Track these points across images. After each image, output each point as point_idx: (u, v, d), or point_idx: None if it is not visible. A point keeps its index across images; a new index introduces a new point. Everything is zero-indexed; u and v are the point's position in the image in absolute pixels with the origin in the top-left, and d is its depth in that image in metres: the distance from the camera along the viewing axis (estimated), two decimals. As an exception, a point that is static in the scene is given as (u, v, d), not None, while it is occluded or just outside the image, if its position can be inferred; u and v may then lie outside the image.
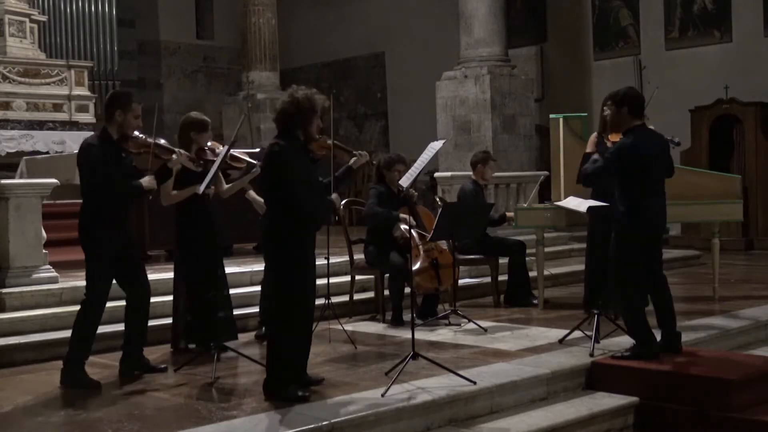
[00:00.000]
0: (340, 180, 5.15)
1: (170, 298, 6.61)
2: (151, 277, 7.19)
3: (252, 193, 6.51)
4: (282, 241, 4.71)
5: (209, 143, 5.94)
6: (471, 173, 8.20)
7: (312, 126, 4.82)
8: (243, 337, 6.41)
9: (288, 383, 4.64)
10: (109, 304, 5.47)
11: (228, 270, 7.46)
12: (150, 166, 5.32)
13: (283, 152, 4.69)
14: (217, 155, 5.74)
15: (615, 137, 6.67)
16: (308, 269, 4.79)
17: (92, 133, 5.42)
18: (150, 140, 5.34)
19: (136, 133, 5.30)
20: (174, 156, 5.45)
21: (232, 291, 6.94)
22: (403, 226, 6.67)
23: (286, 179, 4.66)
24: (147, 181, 5.22)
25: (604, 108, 6.48)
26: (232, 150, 5.80)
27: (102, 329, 5.69)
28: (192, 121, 5.93)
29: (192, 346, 5.93)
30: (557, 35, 15.00)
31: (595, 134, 7.01)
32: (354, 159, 5.24)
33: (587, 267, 7.14)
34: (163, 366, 5.47)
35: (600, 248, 6.52)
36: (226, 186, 6.06)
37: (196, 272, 5.84)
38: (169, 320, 6.22)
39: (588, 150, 6.84)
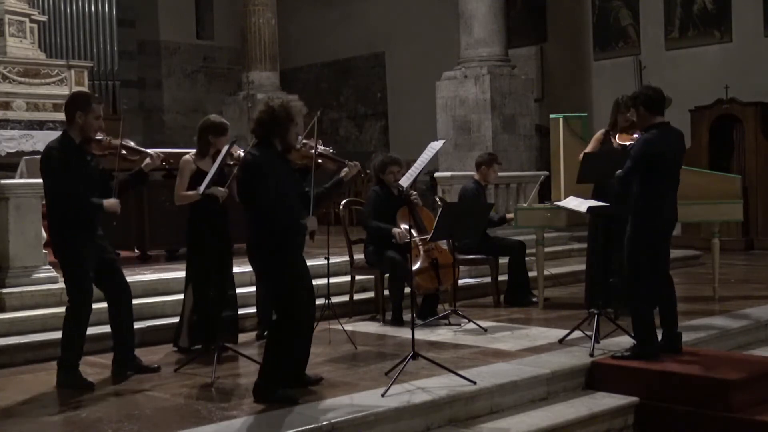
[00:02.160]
0: (330, 191, 5.04)
1: (171, 297, 6.63)
2: (151, 277, 7.25)
3: None
4: (267, 252, 4.67)
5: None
6: (472, 173, 8.20)
7: (289, 135, 4.77)
8: (243, 337, 6.40)
9: (276, 387, 4.63)
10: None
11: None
12: (116, 168, 5.23)
13: (257, 163, 4.64)
14: (235, 158, 5.71)
15: (622, 138, 6.68)
16: (301, 273, 4.75)
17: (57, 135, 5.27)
18: (115, 142, 5.26)
19: (100, 135, 5.21)
20: (148, 160, 5.39)
21: (232, 291, 6.94)
22: (404, 226, 6.67)
23: (259, 191, 4.59)
24: (110, 204, 5.08)
25: (628, 113, 6.45)
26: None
27: (101, 329, 5.68)
28: (211, 124, 5.93)
29: (197, 347, 5.89)
30: (557, 35, 14.99)
31: (601, 132, 7.01)
32: (345, 171, 5.17)
33: (589, 267, 7.13)
34: (155, 366, 5.45)
35: (601, 248, 6.53)
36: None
37: (202, 271, 5.82)
38: (170, 320, 6.21)
39: (589, 149, 6.85)
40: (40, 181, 6.70)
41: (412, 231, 6.54)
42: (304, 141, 5.54)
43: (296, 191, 4.80)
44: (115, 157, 5.25)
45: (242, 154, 5.70)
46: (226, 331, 5.79)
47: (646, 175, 5.38)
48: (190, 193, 5.73)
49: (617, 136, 6.82)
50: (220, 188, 5.64)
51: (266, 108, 4.76)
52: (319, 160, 5.32)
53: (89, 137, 5.14)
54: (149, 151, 5.50)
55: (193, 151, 6.00)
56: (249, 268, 7.52)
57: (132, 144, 5.48)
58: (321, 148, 5.45)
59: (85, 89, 12.93)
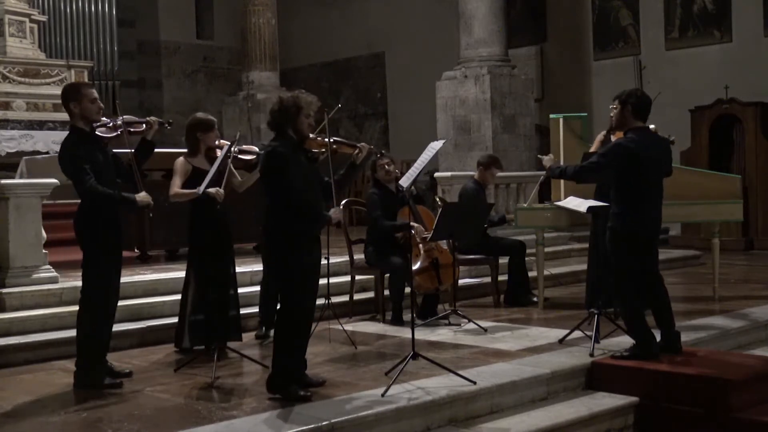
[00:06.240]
0: (346, 176, 5.12)
1: (171, 297, 6.62)
2: (151, 277, 7.25)
3: None
4: (283, 243, 4.71)
5: (217, 142, 5.95)
6: (472, 173, 8.20)
7: (300, 124, 4.79)
8: (243, 337, 6.40)
9: (291, 381, 4.66)
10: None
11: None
12: (128, 144, 5.26)
13: (278, 153, 4.70)
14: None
15: (617, 135, 6.69)
16: (309, 271, 4.79)
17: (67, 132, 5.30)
18: (118, 121, 5.29)
19: (103, 119, 5.22)
20: (146, 126, 5.39)
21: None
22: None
23: (283, 180, 4.66)
24: (142, 197, 5.13)
25: (612, 108, 6.46)
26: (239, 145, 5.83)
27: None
28: (198, 122, 5.94)
29: (199, 347, 5.85)
30: (557, 35, 15.00)
31: (602, 133, 7.03)
32: (356, 152, 5.18)
33: (590, 267, 7.13)
34: (127, 371, 5.33)
35: (601, 248, 6.52)
36: (239, 179, 6.02)
37: (205, 271, 5.82)
38: (170, 320, 6.21)
39: (593, 149, 6.85)
40: (40, 181, 6.75)
41: (413, 231, 6.55)
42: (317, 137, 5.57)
43: (317, 180, 4.88)
44: (123, 135, 5.28)
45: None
46: (229, 331, 5.78)
47: (618, 181, 5.36)
48: (186, 191, 5.72)
49: (614, 135, 6.83)
50: (219, 189, 5.61)
51: (277, 100, 4.87)
52: (335, 147, 5.37)
53: (93, 120, 5.13)
54: (149, 119, 5.52)
55: (185, 151, 5.99)
56: (250, 268, 7.59)
57: (134, 118, 5.49)
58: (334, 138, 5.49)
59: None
